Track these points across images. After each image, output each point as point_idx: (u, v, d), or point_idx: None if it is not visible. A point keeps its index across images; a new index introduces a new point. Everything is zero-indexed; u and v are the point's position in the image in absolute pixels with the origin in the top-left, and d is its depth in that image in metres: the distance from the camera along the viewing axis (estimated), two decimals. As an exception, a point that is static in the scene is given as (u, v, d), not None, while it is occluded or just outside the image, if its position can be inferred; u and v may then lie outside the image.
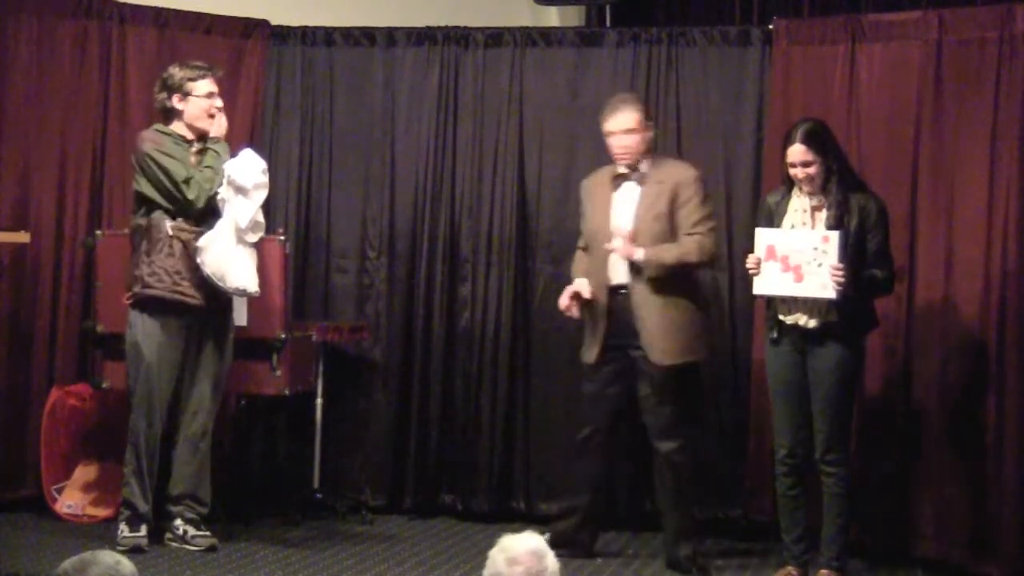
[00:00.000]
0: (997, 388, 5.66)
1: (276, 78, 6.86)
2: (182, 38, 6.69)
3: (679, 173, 5.75)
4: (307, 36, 6.89)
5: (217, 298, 5.74)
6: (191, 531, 5.77)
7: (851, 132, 6.11)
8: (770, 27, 6.41)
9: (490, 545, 3.10)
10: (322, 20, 6.93)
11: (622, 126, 5.72)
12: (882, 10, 6.34)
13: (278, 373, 6.07)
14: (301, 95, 6.86)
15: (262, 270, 5.80)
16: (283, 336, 6.01)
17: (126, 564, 2.79)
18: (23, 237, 6.14)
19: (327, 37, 6.89)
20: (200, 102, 5.79)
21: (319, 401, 6.45)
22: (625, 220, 5.69)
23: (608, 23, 7.19)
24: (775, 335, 5.37)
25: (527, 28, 6.90)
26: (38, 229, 6.34)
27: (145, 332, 5.69)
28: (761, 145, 6.41)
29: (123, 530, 5.71)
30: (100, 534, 5.86)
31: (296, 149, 6.85)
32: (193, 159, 5.80)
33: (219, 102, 5.85)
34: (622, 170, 5.77)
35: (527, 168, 6.71)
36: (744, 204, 6.43)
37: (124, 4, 6.62)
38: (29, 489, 6.36)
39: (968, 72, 5.84)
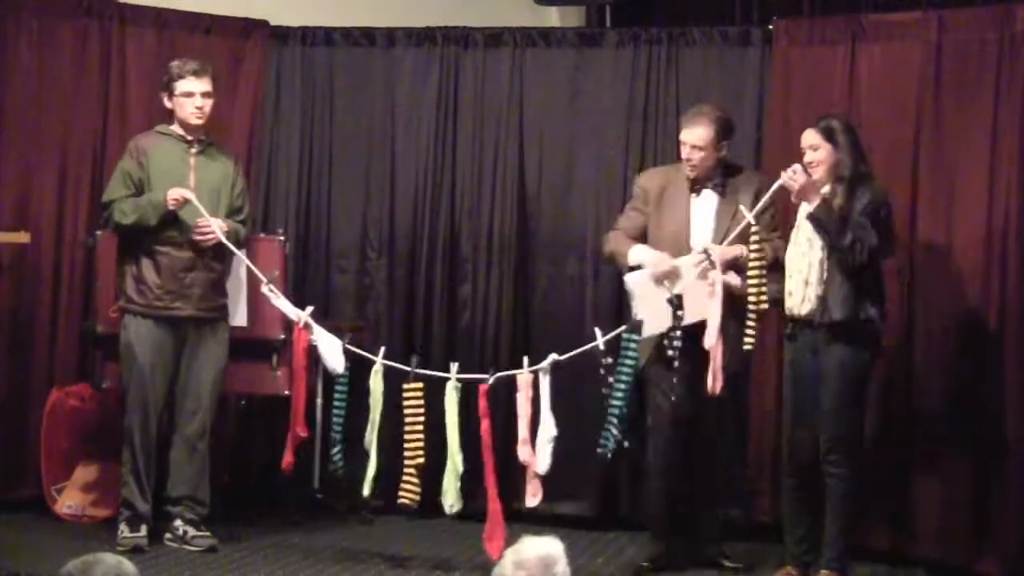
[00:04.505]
0: (997, 388, 5.66)
1: (276, 78, 6.86)
2: (182, 38, 6.68)
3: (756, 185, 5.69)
4: (307, 36, 6.89)
5: (211, 303, 5.77)
6: (191, 531, 5.77)
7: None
8: (770, 27, 6.41)
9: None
10: (322, 20, 6.93)
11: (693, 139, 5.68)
12: (882, 10, 6.34)
13: (278, 373, 6.07)
14: (301, 95, 6.86)
15: (262, 270, 5.79)
16: (283, 336, 6.02)
17: (128, 565, 2.79)
18: (23, 237, 6.15)
19: (327, 37, 6.89)
20: (182, 101, 5.79)
21: (319, 401, 6.45)
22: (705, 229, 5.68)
23: (608, 23, 7.20)
24: (789, 330, 5.36)
25: (527, 28, 6.90)
26: (38, 229, 6.34)
27: (138, 333, 5.71)
28: (761, 145, 6.41)
29: (123, 530, 5.71)
30: (100, 534, 5.87)
31: (296, 149, 6.85)
32: (192, 160, 5.79)
33: (199, 102, 5.79)
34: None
35: (527, 168, 6.71)
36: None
37: (124, 4, 6.62)
38: (29, 489, 6.36)
39: (968, 72, 5.84)
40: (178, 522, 5.79)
